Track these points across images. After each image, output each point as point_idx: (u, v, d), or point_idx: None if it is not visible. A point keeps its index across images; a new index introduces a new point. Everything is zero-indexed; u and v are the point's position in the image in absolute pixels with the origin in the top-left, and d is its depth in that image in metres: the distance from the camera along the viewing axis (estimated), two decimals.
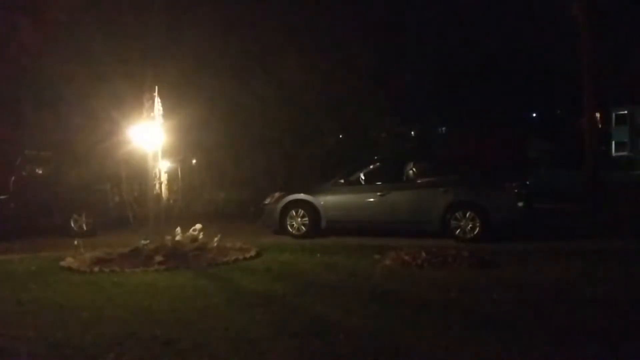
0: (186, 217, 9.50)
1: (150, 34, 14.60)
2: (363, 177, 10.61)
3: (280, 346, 4.36)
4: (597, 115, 15.06)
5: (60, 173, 12.20)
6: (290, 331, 4.67)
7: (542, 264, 7.26)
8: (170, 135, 8.60)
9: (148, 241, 8.07)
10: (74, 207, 11.63)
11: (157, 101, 8.22)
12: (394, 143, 20.06)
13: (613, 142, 47.12)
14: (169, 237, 8.20)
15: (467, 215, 9.63)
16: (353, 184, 10.54)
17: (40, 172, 12.44)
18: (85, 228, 11.56)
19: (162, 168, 8.46)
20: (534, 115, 47.44)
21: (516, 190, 9.80)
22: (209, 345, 4.40)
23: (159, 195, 8.34)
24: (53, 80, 14.77)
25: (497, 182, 10.09)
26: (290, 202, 10.59)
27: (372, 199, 10.27)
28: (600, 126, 19.79)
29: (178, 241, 8.23)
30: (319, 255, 8.24)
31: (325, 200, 10.42)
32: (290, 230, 10.52)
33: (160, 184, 8.36)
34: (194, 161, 17.13)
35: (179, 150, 11.29)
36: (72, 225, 11.56)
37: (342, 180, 10.63)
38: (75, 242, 8.80)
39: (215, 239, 8.62)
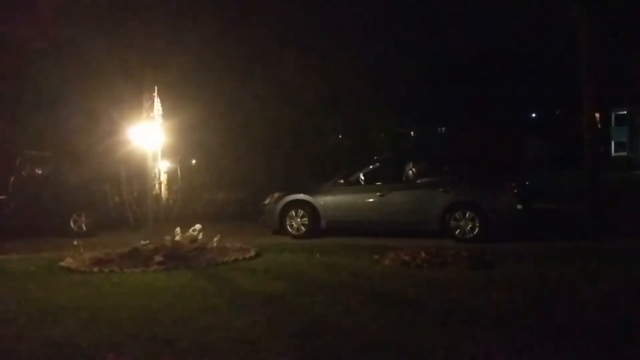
0: (185, 217, 9.51)
1: (150, 34, 14.60)
2: (363, 177, 10.61)
3: (280, 346, 4.35)
4: (597, 115, 15.05)
5: (60, 173, 12.21)
6: (290, 331, 4.67)
7: (542, 264, 7.26)
8: (169, 136, 8.61)
9: (147, 241, 8.07)
10: (74, 207, 11.63)
11: (157, 101, 8.22)
12: (394, 143, 20.08)
13: (612, 142, 47.12)
14: (168, 238, 8.19)
15: (467, 215, 9.63)
16: (353, 184, 10.55)
17: (40, 172, 12.43)
18: (84, 228, 11.57)
19: (162, 168, 8.46)
20: (534, 115, 47.49)
21: (516, 191, 9.80)
22: (208, 345, 4.40)
23: (159, 195, 8.35)
24: (53, 80, 14.76)
25: (497, 182, 10.09)
26: (290, 202, 10.59)
27: (371, 199, 10.27)
28: (599, 126, 19.78)
29: (177, 241, 8.22)
30: (318, 255, 8.25)
31: (325, 201, 10.42)
32: (290, 230, 10.52)
33: (160, 184, 8.37)
34: (193, 161, 17.14)
35: (179, 151, 11.30)
36: (72, 225, 11.56)
37: (342, 181, 10.63)
38: (75, 243, 8.81)
39: (215, 239, 8.62)
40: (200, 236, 8.55)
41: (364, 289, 6.17)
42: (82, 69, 14.31)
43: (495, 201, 9.73)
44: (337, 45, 17.43)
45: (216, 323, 4.95)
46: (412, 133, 30.64)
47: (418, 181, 10.24)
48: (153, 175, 8.29)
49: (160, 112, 8.27)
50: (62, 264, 7.81)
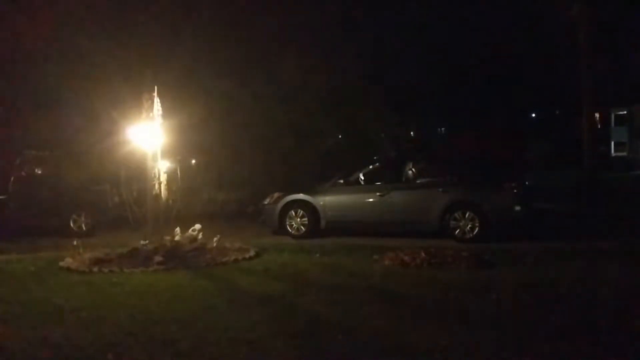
0: (185, 217, 9.51)
1: (150, 34, 14.60)
2: (362, 178, 10.61)
3: (280, 346, 4.36)
4: (597, 115, 15.07)
5: (60, 173, 12.20)
6: (289, 331, 4.67)
7: (541, 264, 7.27)
8: (169, 136, 8.60)
9: (147, 241, 8.07)
10: (73, 207, 11.63)
11: (157, 101, 8.22)
12: (394, 143, 20.09)
13: (612, 143, 47.13)
14: (168, 238, 8.20)
15: (466, 215, 9.63)
16: (352, 184, 10.54)
17: (40, 172, 12.44)
18: (84, 228, 11.57)
19: (161, 168, 8.46)
20: (533, 115, 47.48)
21: (515, 191, 9.80)
22: (208, 345, 4.40)
23: (158, 195, 8.34)
24: (52, 80, 14.76)
25: (496, 182, 10.08)
26: (290, 202, 10.60)
27: (371, 199, 10.27)
28: (599, 126, 19.82)
29: (177, 241, 8.22)
30: (318, 255, 8.25)
31: (325, 201, 10.42)
32: (290, 230, 10.52)
33: (160, 184, 8.36)
34: (193, 161, 17.14)
35: (178, 151, 11.29)
36: (72, 225, 11.56)
37: (342, 181, 10.63)
38: (75, 243, 8.80)
39: (215, 239, 8.63)
40: (200, 236, 8.55)
41: (363, 289, 6.18)
42: (82, 69, 14.30)
43: (495, 201, 9.73)
44: (337, 45, 17.41)
45: (216, 323, 4.95)
46: (412, 133, 30.64)
47: (418, 181, 10.24)
48: (153, 175, 8.28)
49: (160, 112, 8.27)
50: (61, 264, 7.81)
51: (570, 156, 26.93)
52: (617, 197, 15.12)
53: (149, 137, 8.24)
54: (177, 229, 8.47)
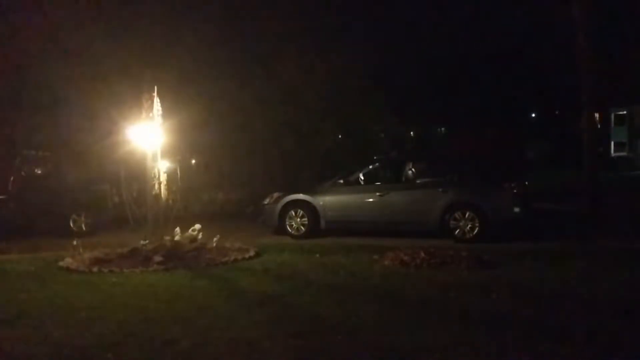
0: (185, 217, 9.52)
1: (150, 34, 14.60)
2: (362, 178, 10.61)
3: (279, 346, 4.35)
4: (596, 115, 15.05)
5: (59, 173, 12.21)
6: (289, 331, 4.67)
7: (541, 264, 7.27)
8: (169, 136, 8.61)
9: (147, 241, 8.07)
10: (73, 207, 11.63)
11: (157, 101, 8.22)
12: (394, 143, 20.09)
13: (612, 143, 47.16)
14: (167, 238, 8.20)
15: (466, 215, 9.63)
16: (352, 184, 10.54)
17: (39, 172, 12.44)
18: (84, 228, 11.57)
19: (161, 168, 8.46)
20: (533, 115, 47.52)
21: (515, 191, 9.81)
22: (207, 345, 4.40)
23: (158, 195, 8.34)
24: (52, 80, 14.76)
25: (496, 182, 10.08)
26: (290, 202, 10.60)
27: (371, 199, 10.27)
28: (599, 126, 19.80)
29: (177, 241, 8.23)
30: (318, 255, 8.25)
31: (325, 201, 10.42)
32: (290, 230, 10.52)
33: (159, 184, 8.37)
34: (193, 161, 17.14)
35: (178, 151, 11.29)
36: (71, 225, 11.56)
37: (342, 181, 10.63)
38: (74, 243, 8.80)
39: (214, 239, 8.63)
40: (200, 236, 8.55)
41: (363, 289, 6.18)
42: (82, 69, 14.30)
43: (494, 201, 9.73)
44: (337, 45, 17.41)
45: (216, 323, 4.95)
46: (412, 133, 30.66)
47: (418, 181, 10.24)
48: (153, 175, 8.29)
49: (160, 112, 8.28)
50: (61, 263, 7.81)
51: (570, 156, 26.92)
52: (617, 197, 15.12)
53: (148, 137, 8.24)
54: (177, 229, 8.47)
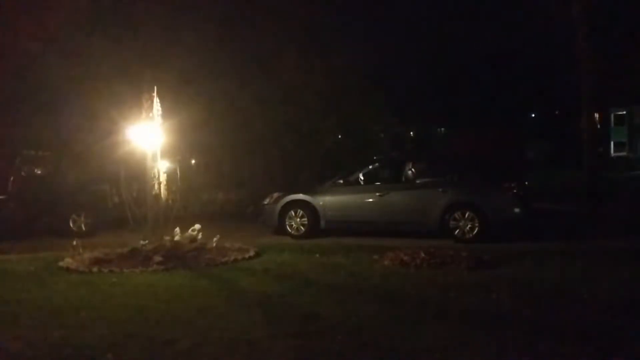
0: (185, 217, 9.51)
1: (150, 34, 14.59)
2: (362, 178, 10.61)
3: (279, 346, 4.35)
4: (596, 115, 15.06)
5: (59, 173, 12.19)
6: (289, 331, 4.67)
7: (541, 264, 7.27)
8: (169, 136, 8.60)
9: (147, 241, 8.06)
10: (73, 207, 11.62)
11: (156, 101, 8.22)
12: (394, 143, 20.09)
13: (612, 143, 47.16)
14: (167, 238, 8.19)
15: (466, 215, 9.63)
16: (352, 184, 10.54)
17: (39, 172, 12.43)
18: (84, 228, 11.56)
19: (161, 168, 8.46)
20: (533, 115, 47.51)
21: (515, 191, 9.81)
22: (207, 345, 4.40)
23: (158, 195, 8.34)
24: (52, 80, 14.75)
25: (496, 182, 10.08)
26: (289, 202, 10.59)
27: (371, 200, 10.27)
28: (598, 126, 19.80)
29: (177, 241, 8.22)
30: (317, 255, 8.24)
31: (324, 201, 10.42)
32: (289, 230, 10.52)
33: (159, 184, 8.36)
34: (192, 161, 17.13)
35: (178, 151, 11.29)
36: (71, 225, 11.55)
37: (341, 181, 10.63)
38: (74, 243, 8.79)
39: (214, 239, 8.62)
40: (200, 236, 8.55)
41: (363, 289, 6.18)
42: (82, 69, 14.28)
43: (494, 201, 9.73)
44: (337, 45, 17.40)
45: (215, 323, 4.95)
46: (411, 133, 30.66)
47: (417, 181, 10.24)
48: (152, 175, 8.28)
49: (160, 112, 8.27)
50: (61, 264, 7.81)
51: (570, 156, 26.95)
52: (617, 197, 15.13)
53: (148, 137, 8.24)
54: (177, 229, 8.47)
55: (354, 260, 7.78)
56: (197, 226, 8.65)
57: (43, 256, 8.64)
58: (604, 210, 12.53)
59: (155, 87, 8.23)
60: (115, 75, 13.59)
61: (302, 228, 10.46)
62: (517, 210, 9.62)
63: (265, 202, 10.94)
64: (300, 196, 10.59)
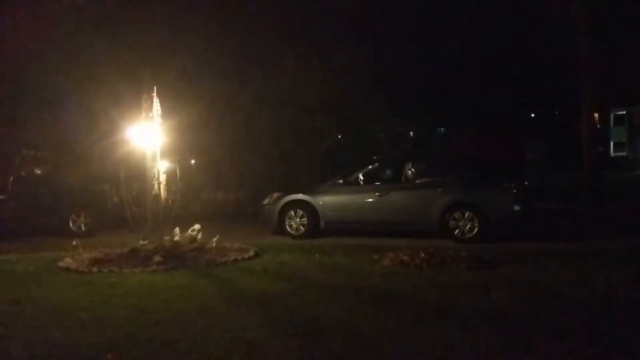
0: (185, 217, 9.51)
1: (149, 34, 14.59)
2: (362, 178, 10.62)
3: (279, 346, 4.35)
4: (596, 115, 15.06)
5: (59, 173, 12.19)
6: (289, 331, 4.67)
7: (541, 264, 7.27)
8: (168, 136, 8.61)
9: (146, 241, 8.07)
10: (73, 207, 11.62)
11: (156, 101, 8.22)
12: (393, 143, 20.07)
13: (611, 143, 47.17)
14: (167, 238, 8.19)
15: (466, 215, 9.63)
16: (352, 185, 10.55)
17: (39, 172, 12.42)
18: (83, 228, 11.56)
19: (161, 168, 8.46)
20: (533, 115, 47.50)
21: (514, 191, 9.81)
22: (207, 345, 4.39)
23: (158, 195, 8.34)
24: (52, 80, 14.75)
25: (496, 182, 10.09)
26: (289, 202, 10.59)
27: (370, 200, 10.27)
28: (598, 126, 19.80)
29: (176, 241, 8.22)
30: (317, 255, 8.25)
31: (324, 201, 10.42)
32: (289, 230, 10.52)
33: (159, 184, 8.37)
34: (192, 161, 17.12)
35: (178, 151, 11.29)
36: (71, 225, 11.55)
37: (341, 181, 10.63)
38: (74, 243, 8.79)
39: (214, 239, 8.63)
40: (199, 236, 8.55)
41: (363, 289, 6.17)
42: (81, 69, 14.27)
43: (494, 201, 9.72)
44: (337, 45, 17.39)
45: (215, 323, 4.95)
46: (411, 133, 30.65)
47: (417, 181, 10.24)
48: (152, 175, 8.29)
49: (159, 112, 8.27)
50: (61, 264, 7.81)
51: (570, 156, 26.95)
52: (617, 197, 15.13)
53: (148, 137, 8.24)
54: (177, 229, 8.47)
55: (353, 261, 7.79)
56: (197, 226, 8.65)
57: (43, 256, 8.64)
58: (603, 210, 12.53)
59: (155, 87, 8.23)
60: (115, 75, 13.58)
61: (302, 228, 10.46)
62: (516, 210, 9.62)
63: (265, 202, 10.95)
64: (300, 196, 10.60)
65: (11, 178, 11.65)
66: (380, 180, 10.80)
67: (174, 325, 4.93)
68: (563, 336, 4.49)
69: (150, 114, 8.19)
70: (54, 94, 15.12)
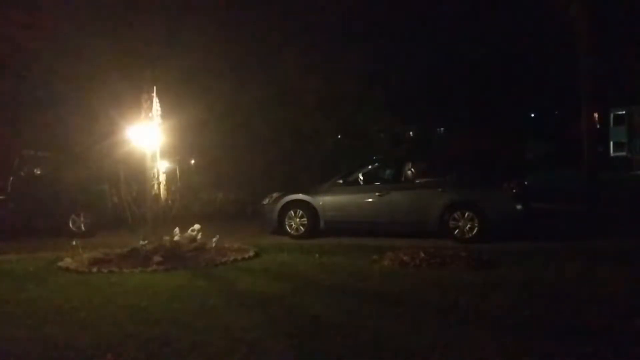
0: (184, 217, 9.50)
1: (149, 34, 14.59)
2: (361, 178, 10.62)
3: (279, 346, 4.35)
4: (595, 115, 15.06)
5: (59, 173, 12.19)
6: (288, 332, 4.67)
7: (541, 264, 7.26)
8: (168, 136, 8.60)
9: (146, 241, 8.06)
10: (73, 207, 11.63)
11: (156, 101, 8.22)
12: (393, 143, 20.07)
13: (611, 143, 47.19)
14: (167, 238, 8.19)
15: (466, 215, 9.63)
16: (351, 184, 10.55)
17: (39, 172, 12.41)
18: (83, 228, 11.57)
19: (161, 168, 8.46)
20: (532, 115, 47.51)
21: (514, 191, 9.81)
22: (207, 345, 4.39)
23: (157, 195, 8.34)
24: (51, 80, 14.75)
25: (495, 182, 10.09)
26: (289, 202, 10.60)
27: (370, 200, 10.27)
28: (598, 126, 19.81)
29: (176, 242, 8.22)
30: (317, 255, 8.24)
31: (324, 201, 10.42)
32: (289, 230, 10.52)
33: (159, 184, 8.37)
34: (192, 161, 17.12)
35: (177, 151, 11.29)
36: (71, 225, 11.56)
37: (341, 181, 10.63)
38: (74, 243, 8.80)
39: (214, 239, 8.63)
40: (199, 236, 8.55)
41: (362, 290, 6.18)
42: (81, 69, 14.28)
43: (494, 201, 9.73)
44: (336, 45, 17.40)
45: (215, 323, 4.95)
46: (411, 133, 30.63)
47: (417, 181, 10.25)
48: (152, 175, 8.29)
49: (159, 112, 8.27)
50: (60, 264, 7.81)
51: (569, 156, 26.94)
52: (617, 197, 15.13)
53: (148, 137, 8.24)
54: (176, 229, 8.47)
55: (353, 261, 7.78)
56: (197, 226, 8.65)
57: (42, 256, 8.64)
58: (603, 210, 12.53)
59: (155, 87, 8.23)
60: (115, 75, 13.58)
61: (302, 228, 10.46)
62: (516, 210, 9.62)
63: (265, 202, 10.95)
64: (300, 196, 10.60)
65: (11, 178, 11.65)
66: (380, 180, 10.80)
67: (173, 325, 4.93)
68: (563, 336, 4.49)
69: (150, 114, 8.19)
70: (54, 94, 15.12)
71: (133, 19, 14.59)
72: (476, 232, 9.54)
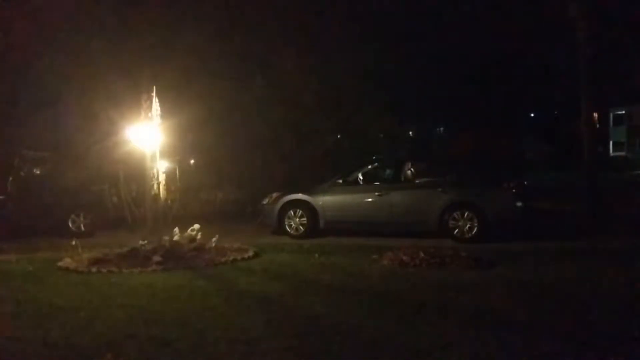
0: (184, 217, 9.50)
1: (149, 34, 14.59)
2: (361, 178, 10.61)
3: (278, 346, 4.35)
4: (595, 115, 15.05)
5: (58, 173, 12.19)
6: (288, 331, 4.67)
7: (540, 264, 7.27)
8: (168, 136, 8.60)
9: (146, 241, 8.06)
10: (72, 207, 11.62)
11: (155, 101, 8.22)
12: (393, 143, 20.09)
13: (611, 143, 47.22)
14: (166, 238, 8.19)
15: (465, 215, 9.63)
16: (351, 184, 10.54)
17: (38, 172, 12.42)
18: (83, 228, 11.56)
19: (160, 168, 8.46)
20: (532, 115, 47.51)
21: (514, 191, 9.81)
22: (206, 345, 4.39)
23: (157, 195, 8.34)
24: (51, 80, 14.75)
25: (495, 182, 10.09)
26: (289, 202, 10.59)
27: (370, 199, 10.26)
28: (597, 126, 19.81)
29: (176, 241, 8.22)
30: (317, 255, 8.25)
31: (324, 201, 10.41)
32: (289, 230, 10.51)
33: (158, 184, 8.36)
34: (192, 161, 17.12)
35: (177, 151, 11.28)
36: (70, 225, 11.55)
37: (341, 181, 10.63)
38: (73, 243, 8.81)
39: (213, 239, 8.62)
40: (199, 236, 8.55)
41: (362, 289, 6.18)
42: (81, 69, 14.28)
43: (493, 201, 9.73)
44: (336, 45, 17.40)
45: (215, 323, 4.95)
46: (411, 133, 30.64)
47: (417, 181, 10.25)
48: (151, 175, 8.28)
49: (159, 112, 8.27)
50: (60, 264, 7.81)
51: (569, 156, 26.97)
52: (616, 197, 15.12)
53: (147, 137, 8.24)
54: (176, 229, 8.47)
55: (353, 260, 7.79)
56: (196, 226, 8.65)
57: (42, 256, 8.64)
58: (603, 210, 12.52)
59: (155, 87, 8.23)
60: (115, 75, 13.59)
61: (301, 228, 10.46)
62: (516, 210, 9.62)
63: (265, 202, 10.94)
64: (300, 196, 10.59)
65: (10, 178, 11.65)
66: (380, 180, 10.79)
67: (173, 325, 4.93)
68: (562, 336, 4.49)
69: (150, 114, 8.19)
70: (53, 94, 15.12)
71: (133, 19, 14.59)
72: (476, 232, 9.54)
